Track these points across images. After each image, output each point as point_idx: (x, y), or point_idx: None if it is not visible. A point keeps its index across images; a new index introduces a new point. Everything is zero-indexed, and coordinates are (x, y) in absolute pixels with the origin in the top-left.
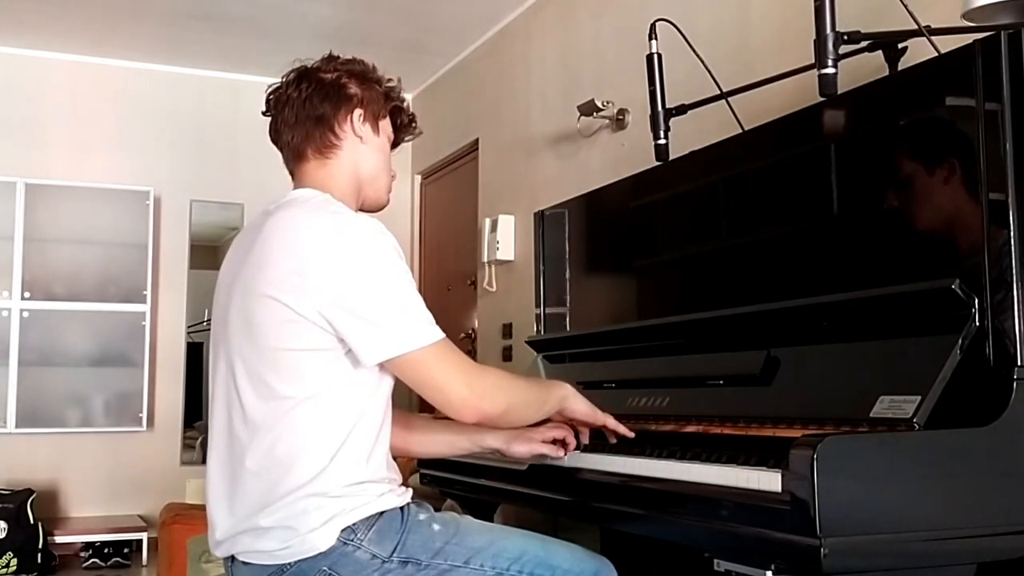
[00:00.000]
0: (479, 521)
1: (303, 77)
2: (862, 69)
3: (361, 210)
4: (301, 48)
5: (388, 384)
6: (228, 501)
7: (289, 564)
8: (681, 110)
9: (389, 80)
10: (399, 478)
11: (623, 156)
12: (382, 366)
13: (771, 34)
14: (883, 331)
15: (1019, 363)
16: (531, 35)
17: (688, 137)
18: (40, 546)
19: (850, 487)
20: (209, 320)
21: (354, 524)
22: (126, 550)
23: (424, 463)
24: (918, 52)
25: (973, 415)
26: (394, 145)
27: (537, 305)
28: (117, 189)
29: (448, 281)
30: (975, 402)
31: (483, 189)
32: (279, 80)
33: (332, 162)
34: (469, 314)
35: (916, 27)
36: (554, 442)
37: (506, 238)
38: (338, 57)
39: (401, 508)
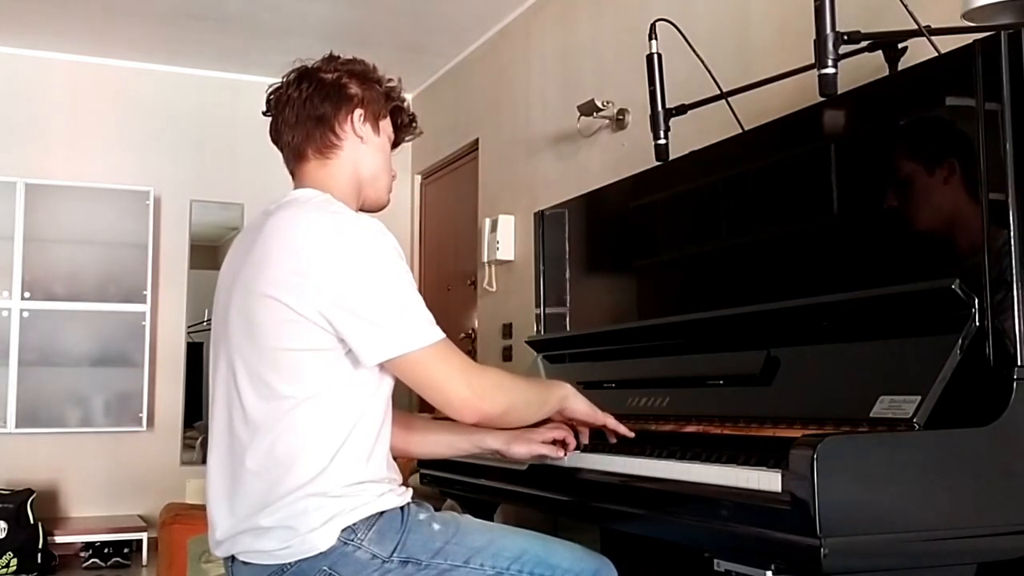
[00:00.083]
0: (479, 520)
1: (304, 77)
2: (862, 69)
3: (362, 210)
4: (301, 48)
5: (388, 384)
6: (228, 501)
7: (289, 564)
8: (681, 110)
9: (390, 80)
10: (399, 478)
11: (623, 156)
12: (382, 366)
13: (771, 34)
14: (883, 331)
15: (1019, 363)
16: (531, 35)
17: (688, 137)
18: (40, 546)
19: (850, 487)
20: (209, 320)
21: (354, 524)
22: (126, 550)
23: (424, 463)
24: (918, 52)
25: (973, 415)
26: (395, 145)
27: (537, 305)
28: (117, 189)
29: (448, 281)
30: (975, 402)
31: (483, 189)
32: (279, 80)
33: (333, 162)
34: (469, 314)
35: (916, 27)
36: (554, 442)
37: (506, 238)
38: (339, 57)
39: (401, 508)
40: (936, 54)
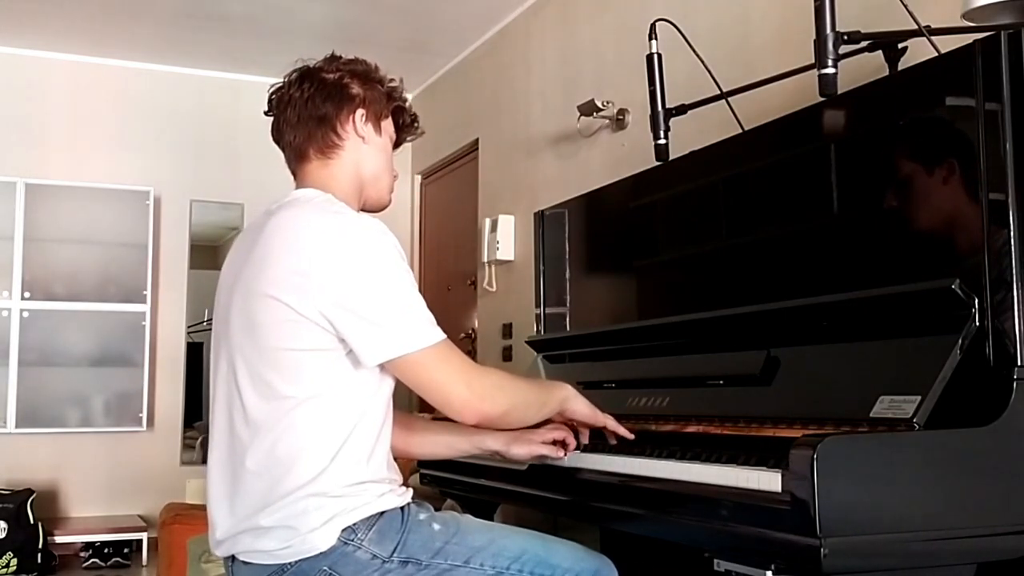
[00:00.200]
0: (479, 520)
1: (305, 77)
2: (862, 69)
3: (363, 210)
4: (301, 48)
5: (389, 385)
6: (229, 501)
7: (289, 564)
8: (681, 110)
9: (391, 80)
10: (399, 478)
11: (623, 156)
12: (383, 367)
13: (771, 34)
14: (883, 331)
15: (1019, 363)
16: (531, 35)
17: (688, 137)
18: (40, 546)
19: (850, 487)
20: (209, 320)
21: (354, 524)
22: (126, 550)
23: (424, 463)
24: (918, 52)
25: (973, 415)
26: (396, 145)
27: (537, 305)
28: (117, 189)
29: (448, 281)
30: (975, 402)
31: (483, 189)
32: (281, 80)
33: (334, 162)
34: (469, 314)
35: (916, 27)
36: (554, 443)
37: (506, 238)
38: (340, 57)
39: (401, 508)
40: (936, 54)
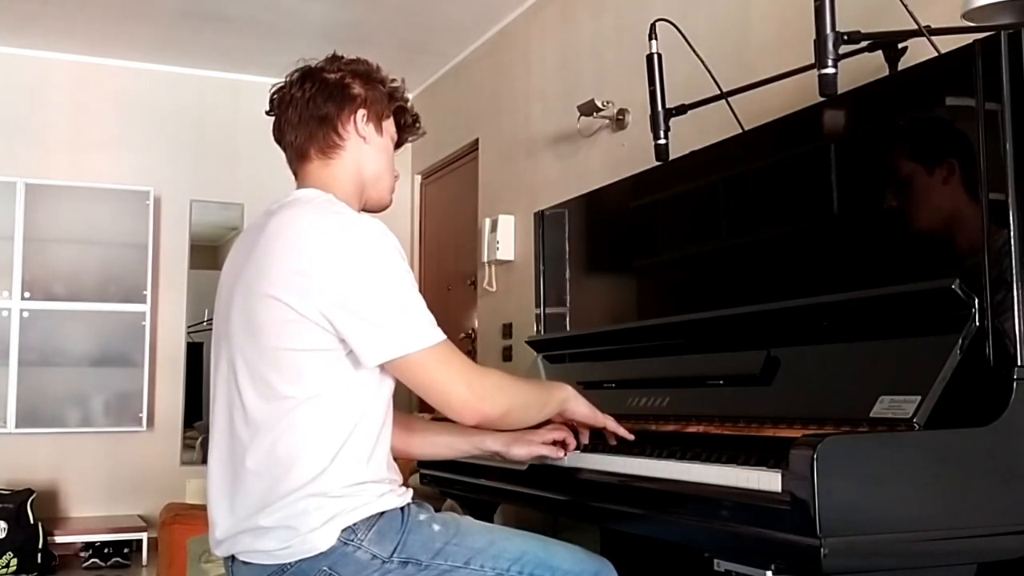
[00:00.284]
0: (479, 522)
1: (307, 77)
2: (862, 69)
3: (364, 210)
4: (301, 48)
5: (389, 385)
6: (229, 500)
7: (289, 564)
8: (681, 110)
9: (393, 80)
10: (399, 479)
11: (623, 156)
12: (383, 367)
13: (771, 34)
14: (883, 331)
15: (1019, 363)
16: (531, 35)
17: (688, 137)
18: (40, 546)
19: (850, 487)
20: (210, 320)
21: (354, 524)
22: (126, 550)
23: (424, 463)
24: (918, 52)
25: (973, 415)
26: (398, 145)
27: (537, 305)
28: (117, 189)
29: (448, 281)
30: (975, 402)
31: (483, 189)
32: (283, 80)
33: (335, 162)
34: (469, 314)
35: (916, 27)
36: (554, 443)
37: (506, 238)
38: (342, 57)
39: (401, 508)
40: (936, 54)
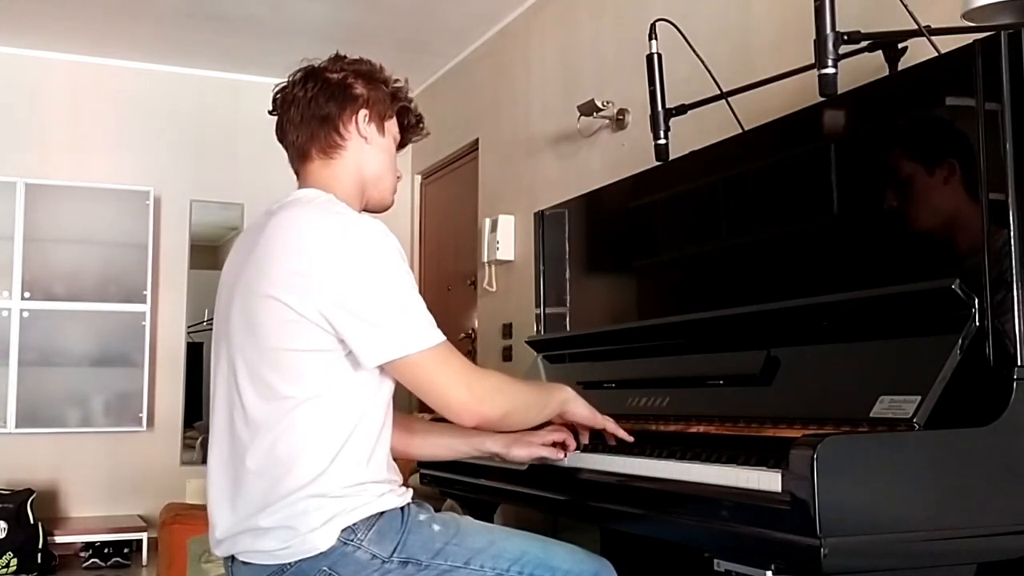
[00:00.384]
0: (479, 522)
1: (309, 77)
2: (862, 69)
3: (365, 211)
4: (301, 48)
5: (389, 386)
6: (229, 501)
7: (289, 564)
8: (681, 110)
9: (396, 80)
10: (399, 479)
11: (623, 156)
12: (383, 368)
13: (771, 34)
14: (883, 331)
15: (1019, 363)
16: (531, 35)
17: (688, 137)
18: (40, 546)
19: (850, 487)
20: (210, 320)
21: (354, 524)
22: (126, 550)
23: (424, 463)
24: (918, 52)
25: (973, 415)
26: (401, 146)
27: (537, 305)
28: (117, 189)
29: (448, 281)
30: (975, 402)
31: (483, 189)
32: (286, 79)
33: (336, 162)
34: (469, 314)
35: (916, 27)
36: (553, 444)
37: (506, 238)
38: (345, 57)
39: (401, 508)
40: (936, 54)
